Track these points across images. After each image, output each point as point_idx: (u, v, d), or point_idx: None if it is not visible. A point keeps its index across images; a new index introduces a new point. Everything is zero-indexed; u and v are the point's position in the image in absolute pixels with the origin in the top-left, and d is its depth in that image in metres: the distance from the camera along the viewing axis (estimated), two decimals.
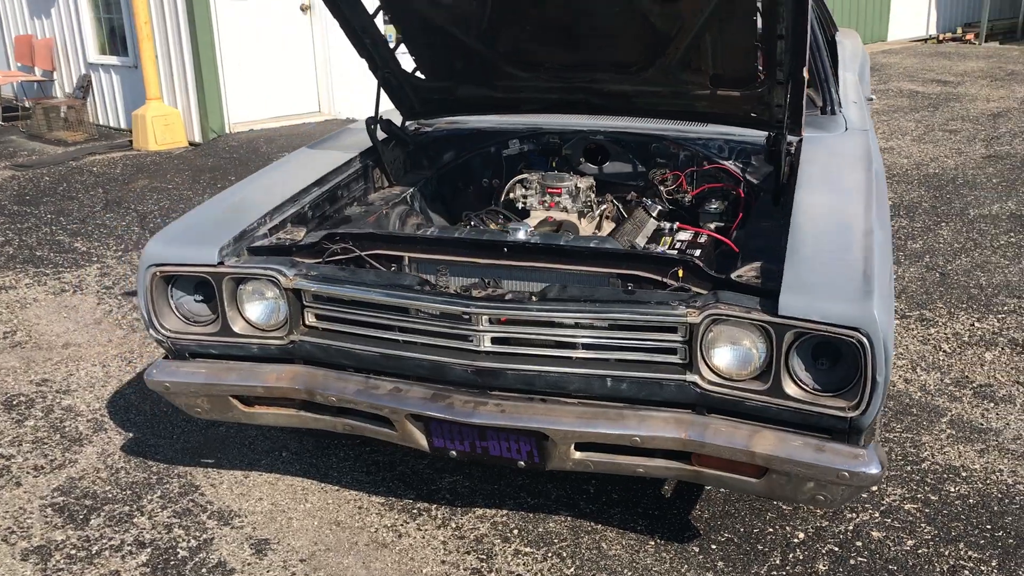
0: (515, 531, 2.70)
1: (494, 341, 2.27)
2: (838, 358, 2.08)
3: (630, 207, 3.09)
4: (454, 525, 2.72)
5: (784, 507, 2.75)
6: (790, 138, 2.83)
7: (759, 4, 2.48)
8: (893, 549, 2.57)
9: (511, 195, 3.09)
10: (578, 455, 2.27)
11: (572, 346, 2.24)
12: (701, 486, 2.81)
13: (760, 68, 2.76)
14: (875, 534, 2.64)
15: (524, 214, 3.01)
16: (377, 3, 2.82)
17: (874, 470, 2.02)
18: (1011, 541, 2.58)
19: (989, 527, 2.65)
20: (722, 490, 2.80)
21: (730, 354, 2.14)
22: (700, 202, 3.07)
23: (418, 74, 3.11)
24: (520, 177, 3.11)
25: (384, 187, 3.21)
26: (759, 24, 2.58)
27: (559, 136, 3.29)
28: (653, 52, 2.78)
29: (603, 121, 3.28)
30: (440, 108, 3.22)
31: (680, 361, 2.18)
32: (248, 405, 2.55)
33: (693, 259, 2.29)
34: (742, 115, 2.94)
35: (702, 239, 2.65)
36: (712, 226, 2.90)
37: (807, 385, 2.08)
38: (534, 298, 2.22)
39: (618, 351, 2.21)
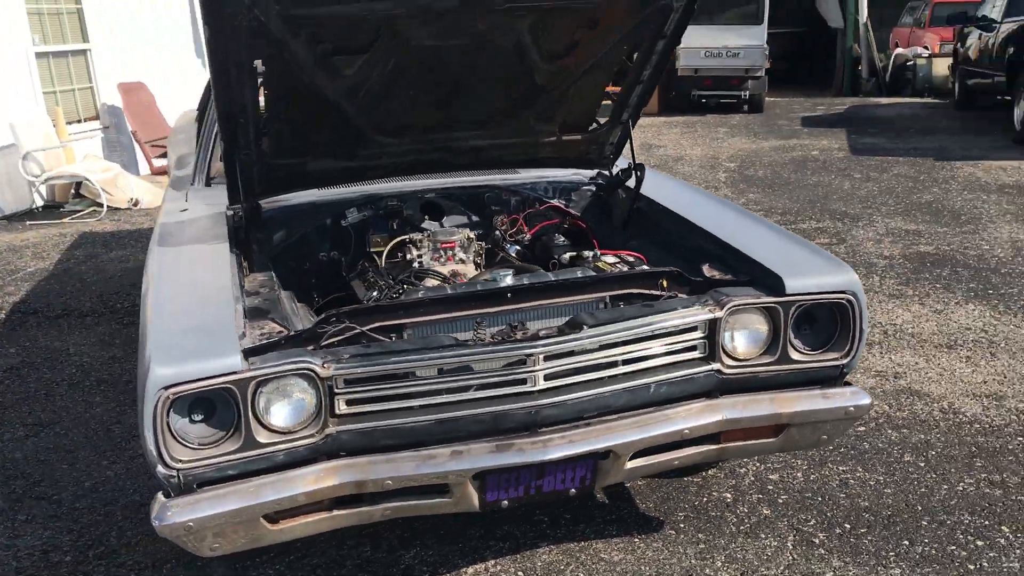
0: (519, 572, 2.76)
1: (547, 378, 2.37)
2: (813, 323, 2.58)
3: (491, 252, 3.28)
4: None
5: (691, 477, 3.19)
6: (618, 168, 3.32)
7: (631, 54, 2.92)
8: (793, 481, 3.16)
9: (399, 256, 3.09)
10: (631, 464, 2.47)
11: (614, 364, 2.44)
12: (620, 487, 3.11)
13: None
14: (772, 476, 3.21)
15: (419, 272, 3.04)
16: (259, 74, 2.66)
17: (867, 400, 2.57)
18: None
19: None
20: (657, 477, 3.15)
21: (745, 338, 2.54)
22: (541, 240, 3.35)
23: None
24: (400, 239, 3.13)
25: (247, 275, 2.99)
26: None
27: (397, 199, 3.35)
28: (519, 106, 3.06)
29: (430, 180, 3.43)
30: (283, 185, 3.09)
31: (701, 355, 2.51)
32: (275, 522, 2.27)
33: (673, 269, 2.64)
34: (578, 156, 3.36)
35: (629, 259, 2.98)
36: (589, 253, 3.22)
37: (804, 349, 2.56)
38: (586, 327, 2.37)
39: (653, 359, 2.47)
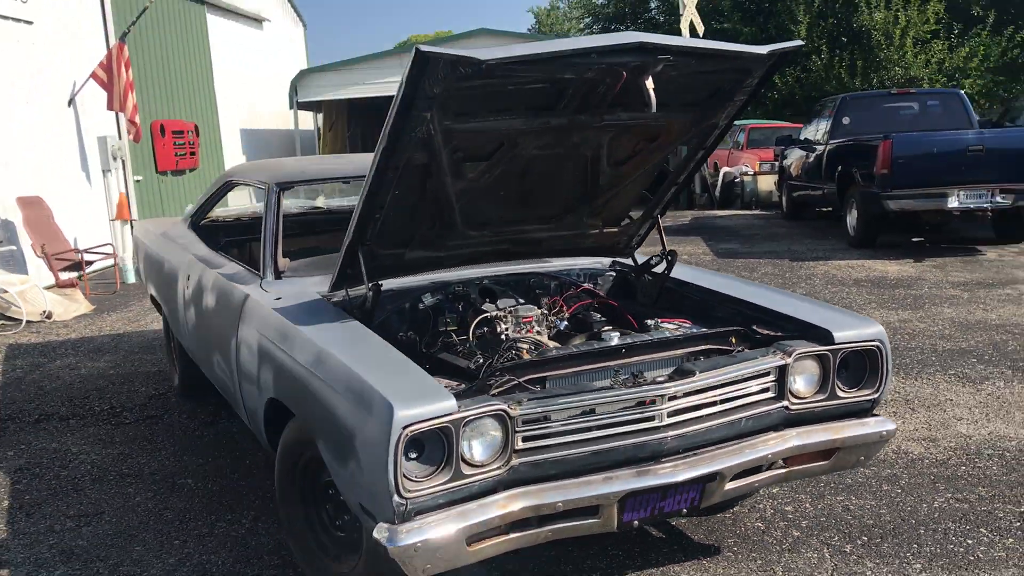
0: None
1: (669, 415, 2.94)
2: (847, 367, 3.28)
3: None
4: None
5: (721, 514, 3.78)
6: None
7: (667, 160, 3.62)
8: (806, 510, 3.82)
9: (482, 330, 3.57)
10: (728, 486, 3.06)
11: (714, 404, 3.04)
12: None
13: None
14: (787, 508, 3.86)
15: (506, 342, 3.53)
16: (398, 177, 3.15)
17: (893, 425, 3.28)
18: None
19: None
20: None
21: (804, 380, 3.21)
22: (578, 317, 3.94)
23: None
24: (482, 316, 3.63)
25: None
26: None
27: (461, 285, 3.86)
28: (579, 203, 3.69)
29: (485, 269, 3.97)
30: (383, 273, 3.54)
31: (773, 395, 3.16)
32: (470, 545, 2.69)
33: (740, 328, 3.30)
34: (611, 246, 4.00)
35: (684, 325, 3.59)
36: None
37: (845, 388, 3.26)
38: (697, 373, 2.97)
39: (741, 399, 3.09)
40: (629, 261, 4.14)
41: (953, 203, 9.78)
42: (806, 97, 27.58)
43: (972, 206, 9.83)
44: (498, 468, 2.71)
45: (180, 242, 5.19)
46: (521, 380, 2.90)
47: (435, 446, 2.61)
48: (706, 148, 3.57)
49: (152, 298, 5.96)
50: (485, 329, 3.62)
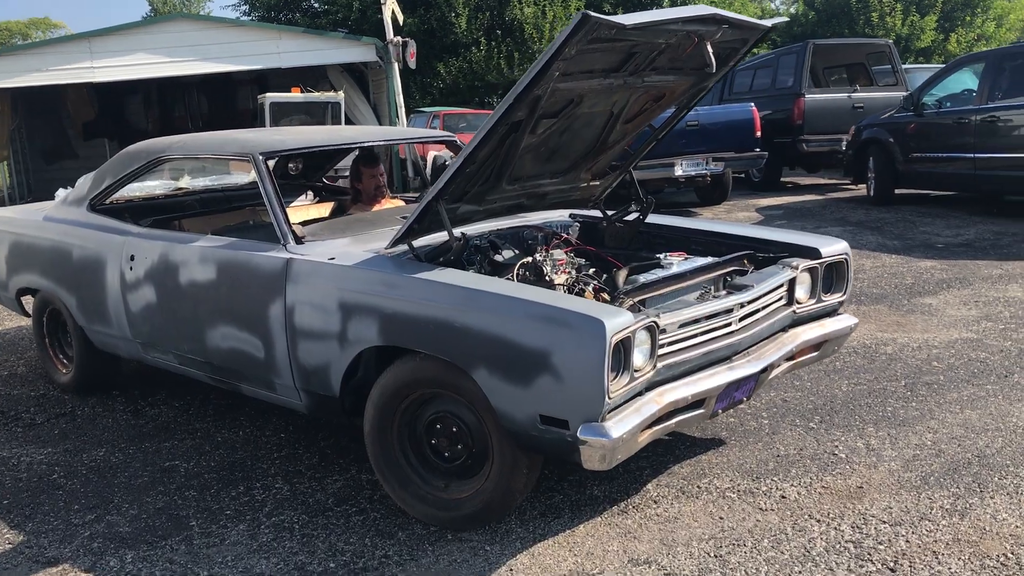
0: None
1: (739, 320, 3.62)
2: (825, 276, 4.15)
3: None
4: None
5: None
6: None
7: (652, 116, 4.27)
8: (780, 402, 4.70)
9: (524, 273, 3.97)
10: (770, 375, 3.80)
11: (759, 311, 3.76)
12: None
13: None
14: (779, 398, 4.71)
15: (547, 282, 3.97)
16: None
17: (855, 320, 4.22)
18: None
19: None
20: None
21: (803, 289, 4.02)
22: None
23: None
24: (525, 260, 4.01)
25: None
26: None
27: (480, 239, 4.22)
28: (585, 158, 4.22)
29: (486, 224, 4.35)
30: (435, 227, 3.82)
31: (785, 302, 3.95)
32: (639, 434, 3.16)
33: (752, 252, 4.05)
34: (588, 198, 4.57)
35: (687, 257, 4.23)
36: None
37: (825, 293, 4.12)
38: (754, 286, 3.67)
39: (772, 306, 3.85)
40: (593, 212, 4.72)
41: (679, 171, 11.35)
42: (469, 87, 29.33)
43: (693, 173, 11.48)
44: (649, 371, 3.22)
45: (95, 225, 4.91)
46: (635, 301, 3.42)
47: (616, 355, 3.06)
48: (689, 107, 4.25)
49: (19, 292, 5.49)
50: (527, 273, 4.03)
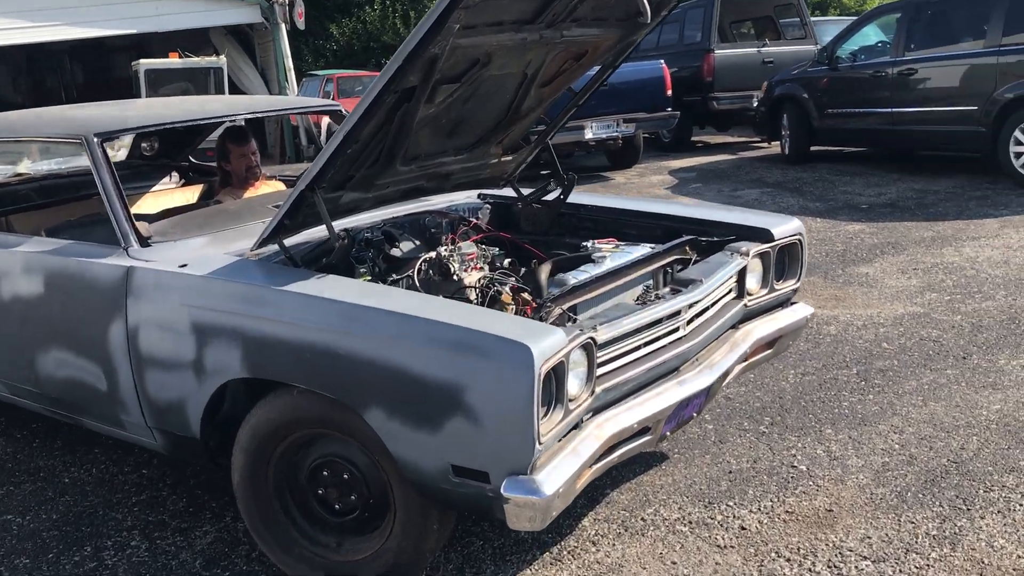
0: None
1: (688, 323, 3.01)
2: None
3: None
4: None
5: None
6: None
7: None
8: (724, 405, 4.13)
9: (427, 273, 3.29)
10: (723, 383, 3.21)
11: (708, 308, 3.16)
12: None
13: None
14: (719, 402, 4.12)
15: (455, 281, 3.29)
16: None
17: (812, 310, 3.66)
18: None
19: None
20: None
21: (754, 278, 3.44)
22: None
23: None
24: (427, 256, 3.32)
25: None
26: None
27: (370, 231, 3.50)
28: (494, 132, 3.53)
29: (379, 212, 3.63)
30: (313, 221, 3.09)
31: (735, 295, 3.36)
32: (579, 478, 2.53)
33: (694, 237, 3.43)
34: (498, 176, 3.88)
35: (619, 245, 3.59)
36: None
37: (777, 281, 3.55)
38: (704, 282, 3.05)
39: (724, 299, 3.25)
40: (504, 192, 4.04)
41: (589, 135, 10.75)
42: (364, 48, 28.13)
43: (604, 136, 10.89)
44: (587, 399, 2.58)
45: None
46: (565, 309, 2.77)
47: (547, 386, 2.41)
48: (615, 67, 3.59)
49: None
50: (431, 271, 3.35)
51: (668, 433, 2.98)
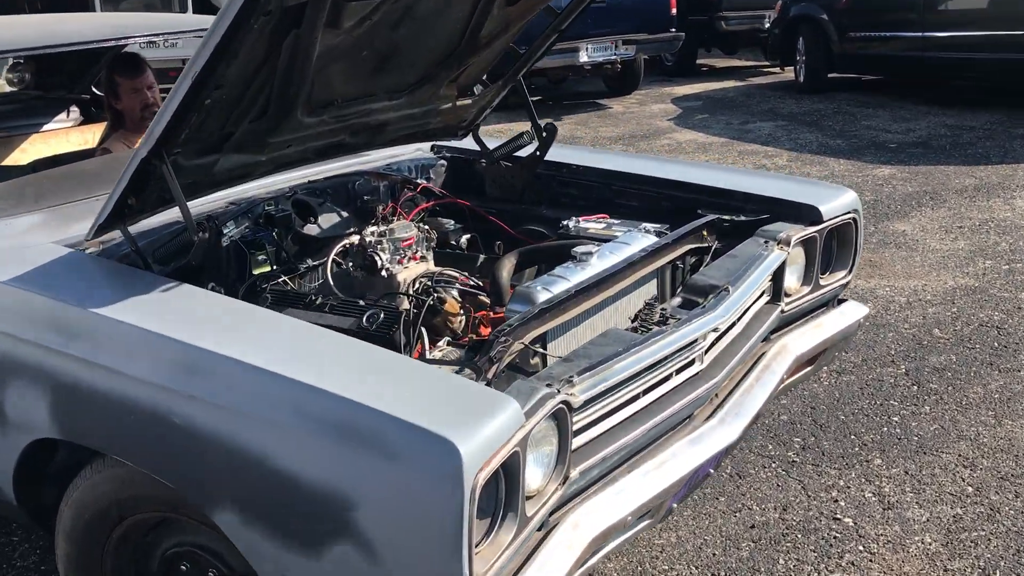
0: None
1: (707, 351, 2.11)
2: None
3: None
4: None
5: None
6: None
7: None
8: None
9: (345, 266, 2.41)
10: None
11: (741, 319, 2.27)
12: None
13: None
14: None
15: (387, 278, 2.40)
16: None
17: (867, 309, 2.76)
18: None
19: None
20: None
21: (796, 272, 2.53)
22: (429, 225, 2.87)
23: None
24: (344, 245, 2.43)
25: None
26: None
27: (273, 201, 2.58)
28: (443, 68, 2.58)
29: (289, 175, 2.71)
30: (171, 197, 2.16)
31: (768, 298, 2.46)
32: None
33: (716, 216, 2.52)
34: (455, 125, 2.95)
35: (611, 223, 2.68)
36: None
37: (823, 274, 2.64)
38: (731, 291, 2.15)
39: (754, 308, 2.36)
40: (466, 144, 3.10)
41: (584, 58, 9.67)
42: None
43: (601, 59, 9.81)
44: (555, 489, 1.70)
45: None
46: (527, 343, 1.87)
47: (490, 488, 1.52)
48: None
49: None
50: (350, 264, 2.45)
51: (676, 505, 2.11)
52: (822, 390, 3.39)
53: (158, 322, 1.74)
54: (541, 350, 1.93)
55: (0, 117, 3.86)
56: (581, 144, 8.15)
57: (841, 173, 6.47)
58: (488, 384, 1.72)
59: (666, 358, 1.94)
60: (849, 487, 2.81)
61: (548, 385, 1.67)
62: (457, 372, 1.73)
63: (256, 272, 2.41)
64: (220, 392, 1.60)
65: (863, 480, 2.84)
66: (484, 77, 2.86)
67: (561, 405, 1.64)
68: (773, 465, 2.95)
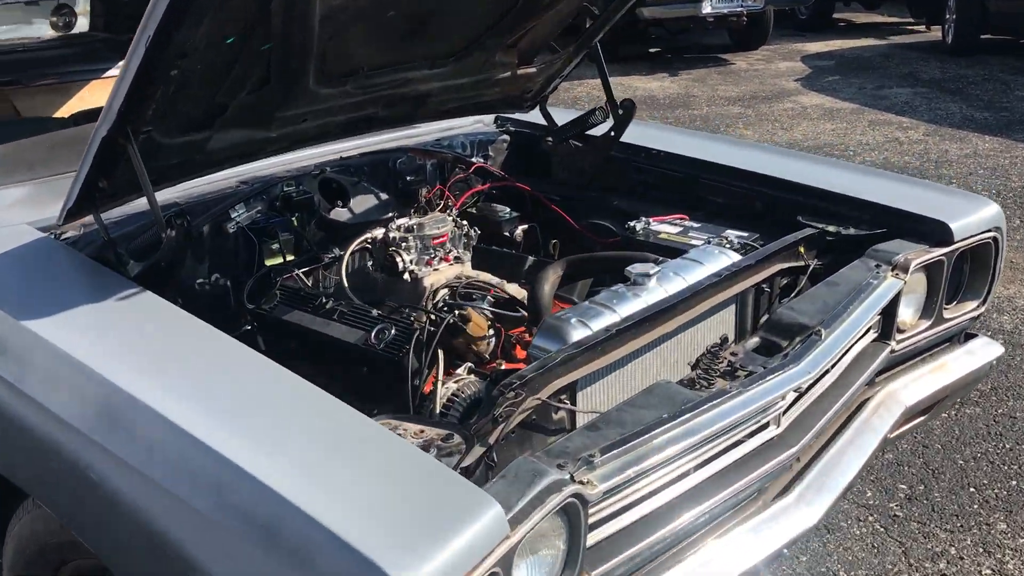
0: None
1: (784, 412, 1.67)
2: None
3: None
4: None
5: None
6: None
7: None
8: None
9: (363, 265, 2.07)
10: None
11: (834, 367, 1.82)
12: None
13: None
14: None
15: (411, 283, 2.04)
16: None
17: (1001, 349, 2.25)
18: None
19: None
20: None
21: (913, 303, 2.05)
22: (477, 214, 2.48)
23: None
24: (362, 241, 2.08)
25: None
26: None
27: (295, 182, 2.24)
28: (491, 30, 2.16)
29: (319, 150, 2.35)
30: (165, 176, 1.84)
31: (875, 334, 1.98)
32: None
33: (815, 229, 2.05)
34: (518, 97, 2.53)
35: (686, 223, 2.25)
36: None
37: (947, 305, 2.14)
38: (823, 332, 1.70)
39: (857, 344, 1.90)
40: (527, 116, 2.69)
41: (707, 8, 9.00)
42: None
43: (726, 11, 9.13)
44: None
45: None
46: (545, 399, 1.47)
47: None
48: None
49: None
50: (370, 264, 2.09)
51: None
52: (938, 424, 2.88)
53: (90, 348, 1.42)
54: (566, 405, 1.53)
55: (53, 63, 3.62)
56: (696, 103, 7.58)
57: (985, 152, 5.75)
58: (487, 453, 1.34)
59: (727, 428, 1.51)
60: (963, 558, 2.33)
61: (560, 466, 1.28)
62: (445, 440, 1.36)
63: (268, 264, 2.08)
64: (138, 454, 1.27)
65: (982, 549, 2.36)
66: (551, 42, 2.42)
67: (572, 499, 1.25)
68: (871, 519, 2.48)
